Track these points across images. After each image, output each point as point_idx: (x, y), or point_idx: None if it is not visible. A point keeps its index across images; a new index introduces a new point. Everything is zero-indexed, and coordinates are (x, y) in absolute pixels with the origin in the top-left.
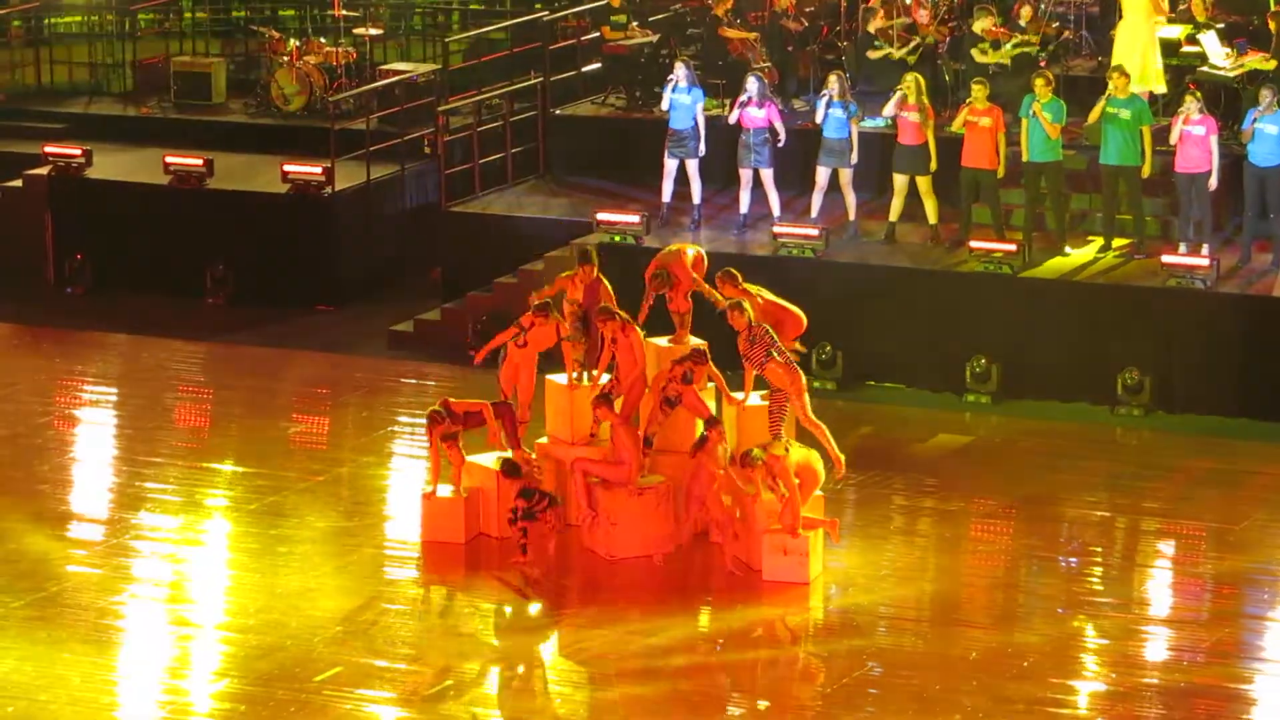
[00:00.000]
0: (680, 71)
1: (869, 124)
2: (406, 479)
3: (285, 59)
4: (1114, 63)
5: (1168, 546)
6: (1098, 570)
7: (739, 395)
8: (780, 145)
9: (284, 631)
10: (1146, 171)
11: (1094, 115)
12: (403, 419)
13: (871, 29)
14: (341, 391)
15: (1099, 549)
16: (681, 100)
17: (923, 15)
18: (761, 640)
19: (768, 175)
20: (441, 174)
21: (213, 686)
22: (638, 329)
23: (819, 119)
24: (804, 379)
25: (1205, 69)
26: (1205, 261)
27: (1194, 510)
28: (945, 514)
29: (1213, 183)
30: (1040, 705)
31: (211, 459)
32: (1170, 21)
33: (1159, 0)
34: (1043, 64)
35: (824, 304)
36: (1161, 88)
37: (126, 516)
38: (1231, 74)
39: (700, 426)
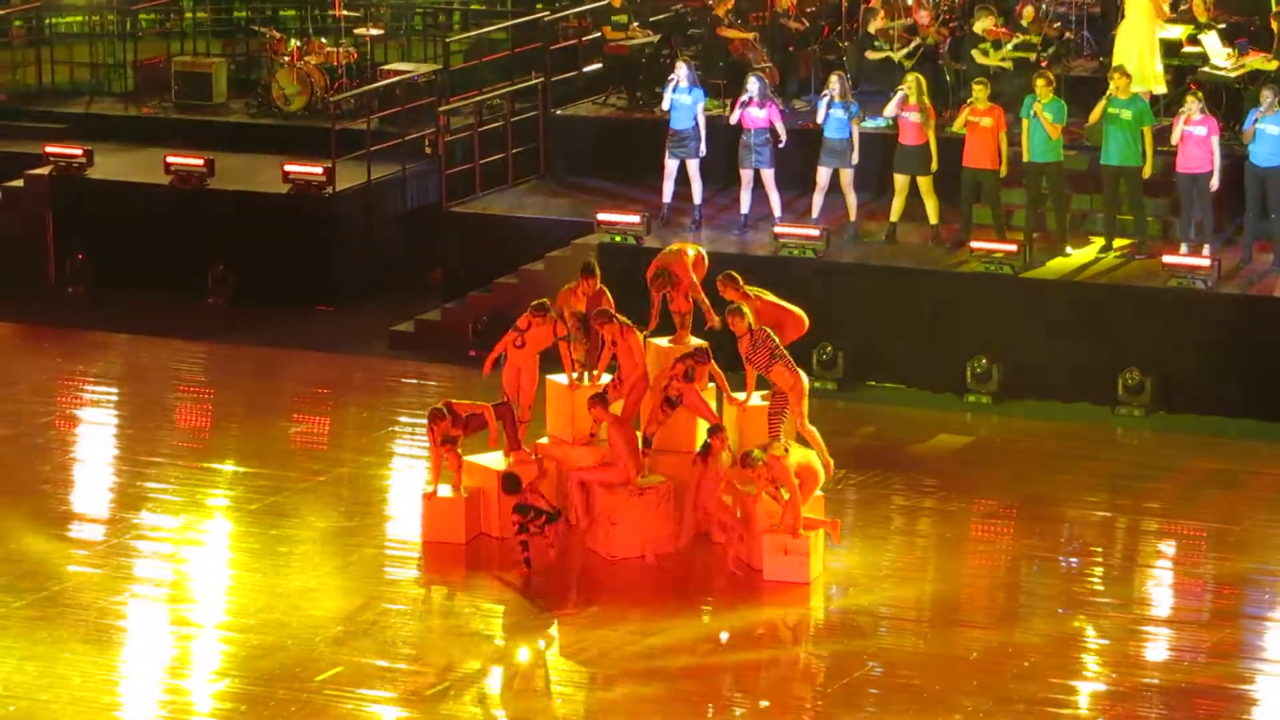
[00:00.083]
0: (681, 72)
1: (870, 124)
2: (407, 479)
3: (286, 59)
4: (1115, 63)
5: (1168, 547)
6: (1098, 570)
7: (740, 396)
8: (781, 145)
9: (285, 631)
10: (1148, 172)
11: (1095, 115)
12: (403, 419)
13: (872, 29)
14: (342, 391)
15: (1100, 549)
16: (682, 100)
17: (923, 16)
18: (762, 640)
19: (768, 175)
20: (442, 174)
21: (214, 686)
22: (636, 332)
23: (820, 119)
24: (806, 383)
25: (1206, 69)
26: (1206, 262)
27: (1195, 510)
28: (946, 514)
29: (1214, 183)
30: (1041, 705)
31: (212, 459)
32: (1171, 22)
33: (1160, 1)
34: (1044, 64)
35: (825, 304)
36: (1161, 89)
37: (128, 516)
38: (1233, 74)
39: (703, 431)
